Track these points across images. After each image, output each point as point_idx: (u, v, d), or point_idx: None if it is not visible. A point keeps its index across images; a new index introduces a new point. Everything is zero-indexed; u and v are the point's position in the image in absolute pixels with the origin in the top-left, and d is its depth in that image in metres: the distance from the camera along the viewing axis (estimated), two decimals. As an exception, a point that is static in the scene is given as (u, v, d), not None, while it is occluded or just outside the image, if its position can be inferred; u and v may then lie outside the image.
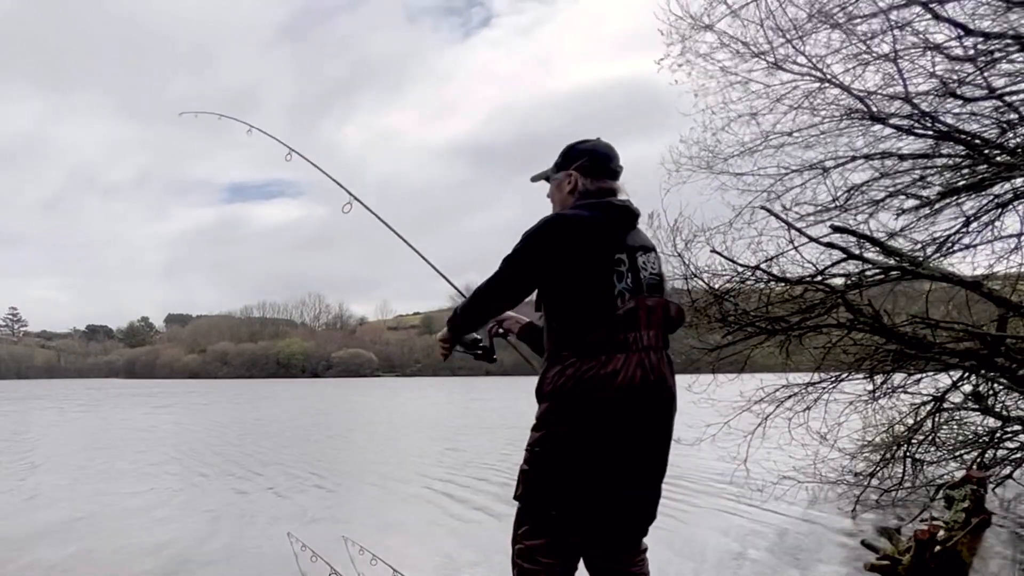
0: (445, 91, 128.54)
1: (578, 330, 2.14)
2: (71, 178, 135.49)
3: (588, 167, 2.31)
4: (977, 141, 5.20)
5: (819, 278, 5.30)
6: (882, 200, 5.58)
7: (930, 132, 5.29)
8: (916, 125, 5.29)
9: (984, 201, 5.48)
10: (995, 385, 5.69)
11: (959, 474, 4.32)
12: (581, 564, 2.32)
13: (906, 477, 5.82)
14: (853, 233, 5.15)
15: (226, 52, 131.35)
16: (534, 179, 2.52)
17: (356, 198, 3.02)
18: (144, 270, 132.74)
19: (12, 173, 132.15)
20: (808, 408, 5.90)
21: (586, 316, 2.13)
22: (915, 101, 5.12)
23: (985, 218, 5.52)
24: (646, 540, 2.33)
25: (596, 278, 2.13)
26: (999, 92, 5.05)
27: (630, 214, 2.29)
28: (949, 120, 5.23)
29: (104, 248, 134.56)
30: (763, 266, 5.27)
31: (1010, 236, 5.42)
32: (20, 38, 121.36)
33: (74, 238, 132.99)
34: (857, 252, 5.13)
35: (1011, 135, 5.21)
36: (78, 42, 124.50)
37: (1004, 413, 5.75)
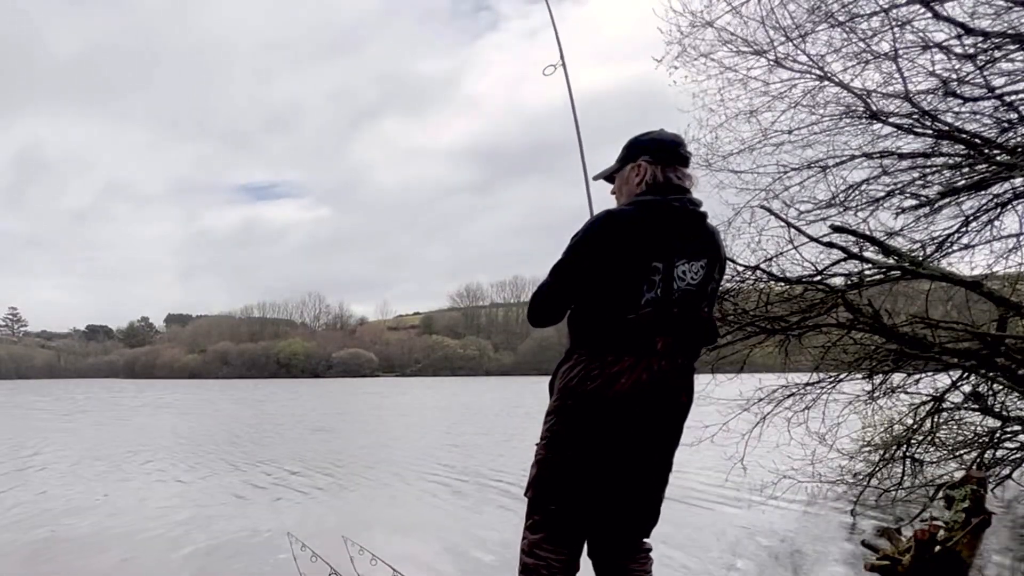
0: (452, 94, 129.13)
1: (592, 330, 2.16)
2: (106, 190, 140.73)
3: (656, 156, 2.24)
4: (977, 140, 5.19)
5: (819, 278, 5.29)
6: (881, 199, 5.56)
7: (930, 131, 5.27)
8: (916, 124, 5.28)
9: (984, 201, 5.46)
10: (995, 385, 5.68)
11: (959, 474, 4.31)
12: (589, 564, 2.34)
13: (905, 477, 5.81)
14: (853, 233, 5.14)
15: (277, 74, 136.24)
16: (596, 178, 2.48)
17: (564, 63, 2.94)
18: (147, 272, 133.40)
19: (53, 185, 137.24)
20: (807, 408, 5.89)
21: (603, 318, 2.13)
22: (915, 100, 5.10)
23: (984, 218, 5.51)
24: (649, 541, 2.34)
25: (624, 284, 2.11)
26: (999, 91, 5.04)
27: (687, 216, 2.20)
28: (949, 119, 5.22)
29: (107, 250, 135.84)
30: (763, 266, 5.26)
31: (1009, 236, 5.41)
32: (84, 66, 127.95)
33: (87, 242, 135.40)
34: (857, 251, 5.12)
35: (1011, 134, 5.20)
36: (137, 70, 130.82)
37: (1004, 413, 5.74)
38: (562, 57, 2.96)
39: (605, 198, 2.45)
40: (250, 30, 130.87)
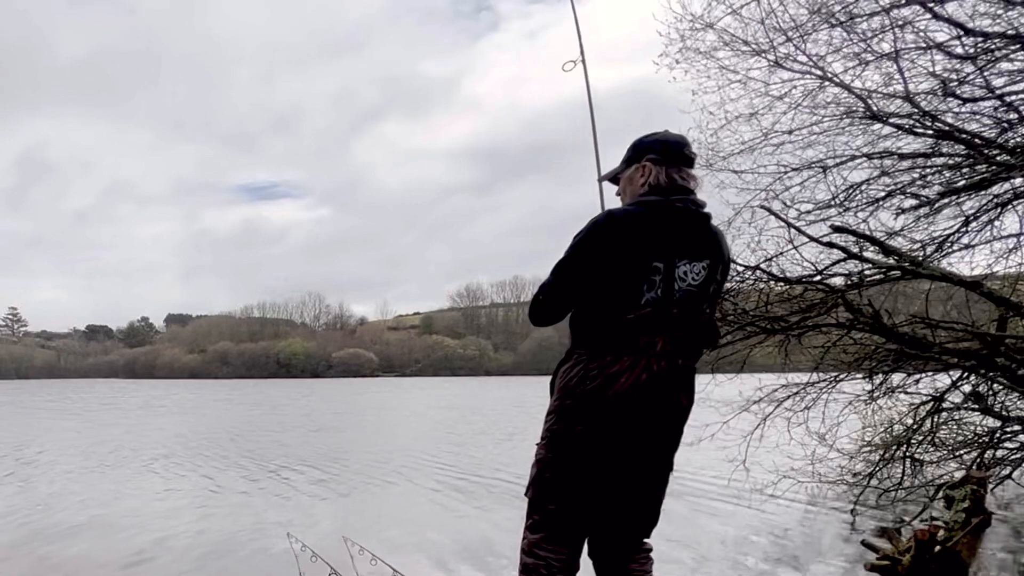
0: (453, 95, 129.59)
1: (592, 329, 2.16)
2: (108, 191, 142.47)
3: (661, 157, 2.23)
4: (977, 140, 5.19)
5: (819, 278, 5.29)
6: (882, 199, 5.57)
7: (930, 131, 5.27)
8: (916, 124, 5.28)
9: (984, 201, 5.46)
10: (995, 385, 5.68)
11: (959, 474, 4.32)
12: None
13: (905, 477, 5.81)
14: (853, 233, 5.14)
15: (279, 76, 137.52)
16: (602, 179, 2.50)
17: (583, 59, 2.97)
18: (147, 272, 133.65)
19: (56, 186, 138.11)
20: (807, 408, 5.89)
21: (602, 317, 2.13)
22: (915, 100, 5.10)
23: (984, 218, 5.51)
24: (650, 541, 2.34)
25: (625, 284, 2.11)
26: (999, 91, 5.04)
27: (689, 217, 2.20)
28: (949, 119, 5.22)
29: (108, 250, 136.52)
30: (763, 266, 5.26)
31: (1009, 236, 5.41)
32: (89, 68, 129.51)
33: (88, 242, 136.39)
34: (857, 251, 5.13)
35: (1011, 134, 5.20)
36: (141, 72, 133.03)
37: (1004, 413, 5.74)
38: (582, 53, 2.97)
39: (615, 197, 2.46)
40: (253, 32, 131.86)
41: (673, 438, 2.25)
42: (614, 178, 2.40)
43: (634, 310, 2.10)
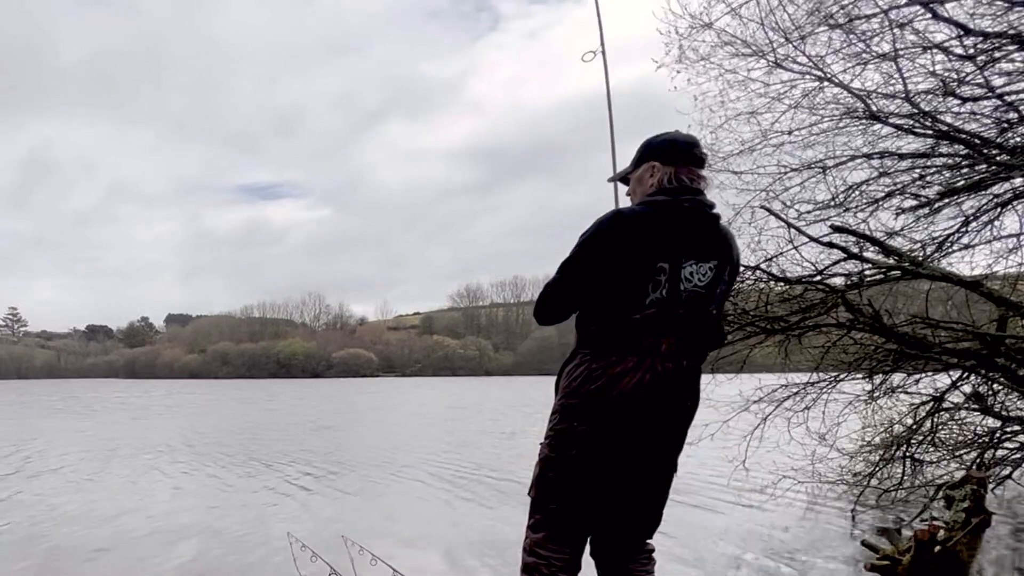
0: (454, 95, 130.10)
1: (597, 329, 2.16)
2: (110, 191, 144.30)
3: (670, 157, 2.23)
4: (977, 140, 5.18)
5: (819, 278, 5.29)
6: (881, 199, 5.57)
7: (930, 131, 5.27)
8: (916, 124, 5.28)
9: (983, 201, 5.46)
10: (995, 385, 5.69)
11: (959, 474, 4.33)
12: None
13: (905, 477, 5.81)
14: (853, 233, 5.14)
15: (282, 77, 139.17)
16: (611, 180, 2.51)
17: (604, 50, 2.99)
18: (148, 272, 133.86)
19: (59, 186, 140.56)
20: (807, 408, 5.89)
21: (606, 317, 2.13)
22: (915, 100, 5.10)
23: (984, 218, 5.51)
24: (652, 541, 2.34)
25: (630, 284, 2.10)
26: (999, 91, 5.04)
27: (697, 217, 2.19)
28: (949, 119, 5.21)
29: (109, 250, 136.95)
30: (763, 266, 5.27)
31: (1009, 236, 5.41)
32: (93, 70, 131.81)
33: (89, 242, 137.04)
34: (857, 251, 5.13)
35: (1011, 134, 5.20)
36: (144, 73, 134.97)
37: (1004, 413, 5.74)
38: (602, 44, 2.98)
39: (627, 196, 2.46)
40: (255, 33, 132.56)
41: (677, 439, 2.25)
42: (624, 178, 2.40)
43: (639, 310, 2.10)
